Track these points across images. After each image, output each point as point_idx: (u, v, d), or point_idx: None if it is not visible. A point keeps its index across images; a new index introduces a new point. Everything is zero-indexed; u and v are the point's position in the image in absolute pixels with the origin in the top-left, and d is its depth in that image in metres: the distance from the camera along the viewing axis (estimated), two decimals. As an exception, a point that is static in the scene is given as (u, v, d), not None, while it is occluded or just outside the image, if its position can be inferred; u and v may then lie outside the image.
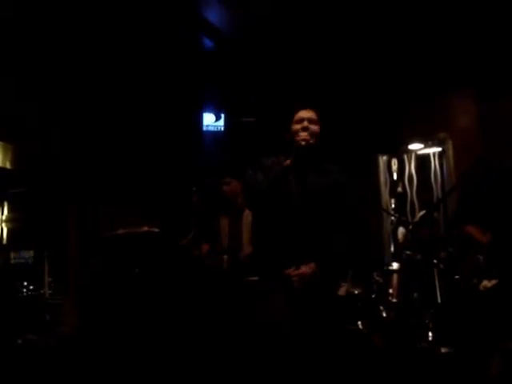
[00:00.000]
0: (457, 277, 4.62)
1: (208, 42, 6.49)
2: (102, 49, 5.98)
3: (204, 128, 7.38)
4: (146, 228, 4.56)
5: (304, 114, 3.62)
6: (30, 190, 6.00)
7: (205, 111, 7.41)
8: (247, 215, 5.14)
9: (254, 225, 4.74)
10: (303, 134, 3.53)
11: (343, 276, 4.63)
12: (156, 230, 4.57)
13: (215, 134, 7.41)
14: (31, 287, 5.42)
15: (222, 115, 7.45)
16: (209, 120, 7.43)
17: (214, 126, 7.44)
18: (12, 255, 5.94)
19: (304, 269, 3.41)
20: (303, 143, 3.52)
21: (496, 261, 4.03)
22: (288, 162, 3.53)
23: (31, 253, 5.89)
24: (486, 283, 4.03)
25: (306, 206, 3.53)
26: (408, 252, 5.15)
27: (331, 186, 3.59)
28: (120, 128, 6.61)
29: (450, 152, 6.51)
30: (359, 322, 4.72)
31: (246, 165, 3.67)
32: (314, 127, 3.58)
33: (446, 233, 4.87)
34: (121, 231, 4.61)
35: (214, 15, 6.12)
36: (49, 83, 6.05)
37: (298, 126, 3.58)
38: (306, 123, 3.56)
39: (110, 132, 6.56)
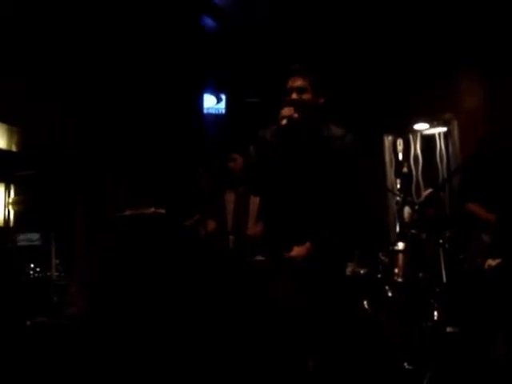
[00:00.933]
0: (461, 256, 4.63)
1: (209, 22, 6.43)
2: (102, 32, 5.98)
3: (205, 111, 7.35)
4: (152, 209, 4.57)
5: (292, 82, 3.39)
6: (37, 172, 6.02)
7: (205, 93, 7.35)
8: None
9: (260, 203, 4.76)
10: (285, 111, 3.32)
11: (348, 255, 4.49)
12: (163, 211, 4.58)
13: (216, 117, 7.37)
14: (38, 269, 5.45)
15: (224, 97, 7.42)
16: (210, 103, 7.37)
17: (216, 108, 7.39)
18: (19, 237, 5.97)
19: (297, 250, 3.31)
20: (283, 122, 3.30)
21: (501, 240, 4.04)
22: (269, 137, 3.41)
23: (37, 235, 5.91)
24: (490, 262, 4.05)
25: (299, 184, 3.37)
26: (413, 232, 5.16)
27: (328, 159, 3.35)
28: (125, 111, 6.62)
29: (456, 132, 6.50)
30: (365, 302, 4.74)
31: (250, 142, 3.61)
32: (305, 96, 3.35)
33: (452, 212, 4.87)
34: (127, 212, 4.62)
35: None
36: (56, 72, 6.08)
37: (286, 99, 3.38)
38: (293, 95, 3.35)
39: (115, 114, 6.57)
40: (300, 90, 3.36)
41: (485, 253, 4.11)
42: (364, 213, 3.66)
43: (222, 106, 7.37)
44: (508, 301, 3.97)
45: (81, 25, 5.80)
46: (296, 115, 3.31)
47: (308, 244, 3.32)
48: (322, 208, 3.34)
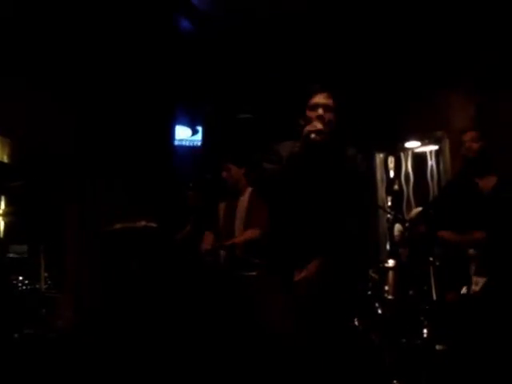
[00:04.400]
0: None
1: (186, 24, 6.33)
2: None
3: (177, 142, 7.32)
4: (143, 223, 4.56)
5: (319, 99, 3.32)
6: (28, 183, 6.00)
7: (179, 125, 7.33)
8: (243, 200, 5.17)
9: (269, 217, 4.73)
10: (316, 125, 3.25)
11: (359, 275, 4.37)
12: (154, 224, 4.57)
13: (191, 149, 7.34)
14: (26, 281, 5.41)
15: (200, 129, 7.37)
16: (184, 134, 7.36)
17: (190, 140, 7.37)
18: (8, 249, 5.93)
19: (306, 272, 3.21)
20: (313, 136, 3.23)
21: (488, 260, 4.09)
22: (297, 150, 3.32)
23: (25, 247, 5.88)
24: (474, 288, 4.09)
25: (313, 202, 3.30)
26: (404, 249, 5.17)
27: (342, 179, 3.28)
28: (114, 124, 6.62)
29: (447, 150, 6.52)
30: (355, 319, 4.73)
31: (246, 152, 3.54)
32: (330, 115, 3.30)
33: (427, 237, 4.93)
34: (118, 226, 4.62)
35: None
36: (47, 84, 6.07)
37: (311, 114, 3.29)
38: (320, 111, 3.28)
39: (104, 128, 6.58)
40: (327, 109, 3.31)
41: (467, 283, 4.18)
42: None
43: (198, 138, 7.35)
44: (496, 319, 4.00)
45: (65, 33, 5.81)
46: (326, 131, 3.26)
47: (315, 263, 3.23)
48: (331, 228, 3.27)
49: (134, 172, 6.60)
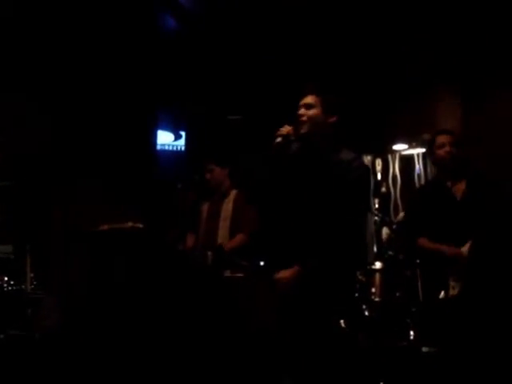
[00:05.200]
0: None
1: (171, 22, 6.28)
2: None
3: (159, 147, 7.28)
4: (130, 224, 4.54)
5: (301, 100, 3.39)
6: (13, 184, 5.96)
7: (162, 130, 7.27)
8: (228, 202, 5.17)
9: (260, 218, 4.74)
10: (282, 130, 3.33)
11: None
12: (140, 225, 4.55)
13: (174, 154, 7.30)
14: (12, 282, 5.38)
15: (183, 134, 7.33)
16: (166, 139, 7.32)
17: (173, 145, 7.33)
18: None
19: (282, 272, 3.25)
20: (278, 140, 3.31)
21: (464, 265, 4.11)
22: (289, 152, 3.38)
23: (10, 247, 5.84)
24: (452, 292, 4.11)
25: (297, 205, 3.33)
26: (391, 252, 5.19)
27: (330, 183, 3.28)
28: (92, 125, 6.60)
29: (434, 153, 6.54)
30: (342, 321, 4.74)
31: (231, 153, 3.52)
32: (310, 112, 3.33)
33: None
34: (105, 227, 4.59)
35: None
36: (30, 83, 6.05)
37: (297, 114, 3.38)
38: (301, 110, 3.34)
39: (82, 129, 6.55)
40: (307, 107, 3.35)
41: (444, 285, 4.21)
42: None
43: (181, 142, 7.32)
44: (473, 322, 4.02)
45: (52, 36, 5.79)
46: (304, 130, 3.30)
47: (294, 268, 3.24)
48: (315, 232, 3.26)
49: (115, 174, 6.57)
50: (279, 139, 3.31)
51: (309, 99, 3.37)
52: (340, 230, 3.25)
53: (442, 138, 4.34)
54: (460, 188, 4.31)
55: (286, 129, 3.32)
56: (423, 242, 4.36)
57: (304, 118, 3.33)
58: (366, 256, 6.61)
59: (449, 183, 4.33)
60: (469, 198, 4.25)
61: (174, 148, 7.35)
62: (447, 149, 4.28)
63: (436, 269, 4.32)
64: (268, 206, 3.43)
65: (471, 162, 4.52)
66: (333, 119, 3.40)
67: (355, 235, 3.34)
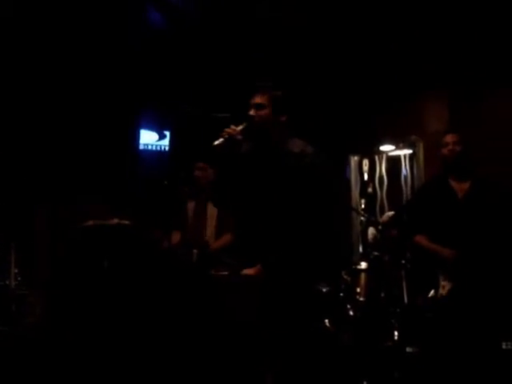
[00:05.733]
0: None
1: (156, 17, 6.22)
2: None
3: (142, 147, 7.25)
4: (116, 220, 4.53)
5: (252, 99, 3.45)
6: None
7: (146, 129, 7.25)
8: None
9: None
10: (223, 134, 3.38)
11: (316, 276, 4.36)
12: (126, 222, 4.54)
13: (158, 154, 7.27)
14: (-5, 278, 5.36)
15: (168, 134, 7.30)
16: (150, 139, 7.29)
17: (157, 145, 7.29)
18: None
19: (247, 271, 3.43)
20: (217, 142, 3.37)
21: (455, 265, 4.14)
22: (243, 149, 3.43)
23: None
24: (441, 292, 4.14)
25: (263, 197, 3.40)
26: (376, 252, 5.20)
27: (284, 176, 3.35)
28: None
29: (421, 154, 6.57)
30: (326, 320, 4.75)
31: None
32: (262, 112, 3.39)
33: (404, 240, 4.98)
34: (90, 223, 4.58)
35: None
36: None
37: None
38: (251, 111, 3.41)
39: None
40: (258, 107, 3.41)
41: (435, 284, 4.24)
42: (329, 231, 3.61)
43: (165, 142, 7.29)
44: (462, 322, 4.05)
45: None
46: (239, 136, 3.35)
47: (258, 267, 3.41)
48: (276, 227, 3.33)
49: (100, 171, 6.56)
50: (220, 140, 3.36)
51: (259, 99, 3.42)
52: (299, 221, 3.31)
53: (447, 138, 4.45)
54: (463, 188, 4.38)
55: (230, 129, 3.37)
56: (420, 239, 4.46)
57: (255, 118, 3.39)
58: (350, 255, 6.66)
59: (452, 182, 4.40)
60: (470, 197, 4.31)
61: (158, 148, 7.30)
62: (450, 147, 4.37)
63: (427, 267, 4.38)
64: (230, 205, 3.48)
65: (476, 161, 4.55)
66: (283, 117, 3.46)
67: (319, 222, 3.36)
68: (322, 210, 3.43)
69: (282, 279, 3.30)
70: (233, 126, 3.38)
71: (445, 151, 4.41)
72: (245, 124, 3.38)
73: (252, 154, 3.43)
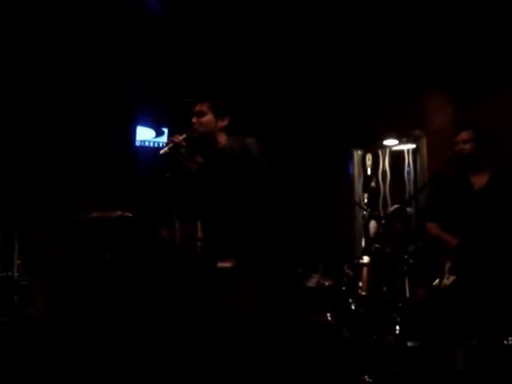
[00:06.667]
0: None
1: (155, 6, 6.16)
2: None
3: (138, 143, 7.20)
4: (119, 212, 4.54)
5: (194, 108, 3.66)
6: (2, 170, 5.95)
7: (142, 126, 7.21)
8: None
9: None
10: (173, 138, 3.56)
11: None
12: (129, 214, 4.56)
13: (156, 151, 7.16)
14: (-1, 269, 5.37)
15: (166, 131, 7.26)
16: (146, 135, 7.25)
17: (154, 142, 7.26)
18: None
19: (220, 265, 3.49)
20: (163, 150, 3.51)
21: (459, 259, 4.14)
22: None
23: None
24: (445, 281, 4.15)
25: (211, 195, 3.55)
26: (378, 246, 5.20)
27: (228, 172, 3.53)
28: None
29: (424, 149, 6.55)
30: (328, 314, 4.76)
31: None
32: (202, 119, 3.60)
33: (417, 227, 4.98)
34: (94, 215, 4.59)
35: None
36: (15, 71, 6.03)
37: None
38: (193, 119, 3.61)
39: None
40: (199, 114, 3.62)
41: (440, 273, 4.24)
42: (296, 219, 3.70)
43: (163, 139, 7.24)
44: (464, 318, 4.05)
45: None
46: (183, 143, 3.52)
47: (228, 260, 3.48)
48: (230, 220, 3.48)
49: (102, 163, 6.57)
50: (165, 149, 3.51)
51: (200, 107, 3.64)
52: (246, 209, 3.46)
53: (459, 136, 4.43)
54: (481, 180, 4.36)
55: (176, 138, 3.54)
56: (431, 227, 4.47)
57: (196, 126, 3.60)
58: (352, 249, 6.66)
59: (471, 175, 4.40)
60: (486, 190, 4.30)
61: (156, 145, 7.28)
62: (460, 146, 4.37)
63: (434, 256, 4.40)
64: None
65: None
66: (223, 123, 3.67)
67: (264, 207, 3.49)
68: (253, 195, 3.51)
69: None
70: (177, 135, 3.56)
71: (455, 149, 4.42)
72: (186, 133, 3.58)
73: (201, 172, 3.61)
